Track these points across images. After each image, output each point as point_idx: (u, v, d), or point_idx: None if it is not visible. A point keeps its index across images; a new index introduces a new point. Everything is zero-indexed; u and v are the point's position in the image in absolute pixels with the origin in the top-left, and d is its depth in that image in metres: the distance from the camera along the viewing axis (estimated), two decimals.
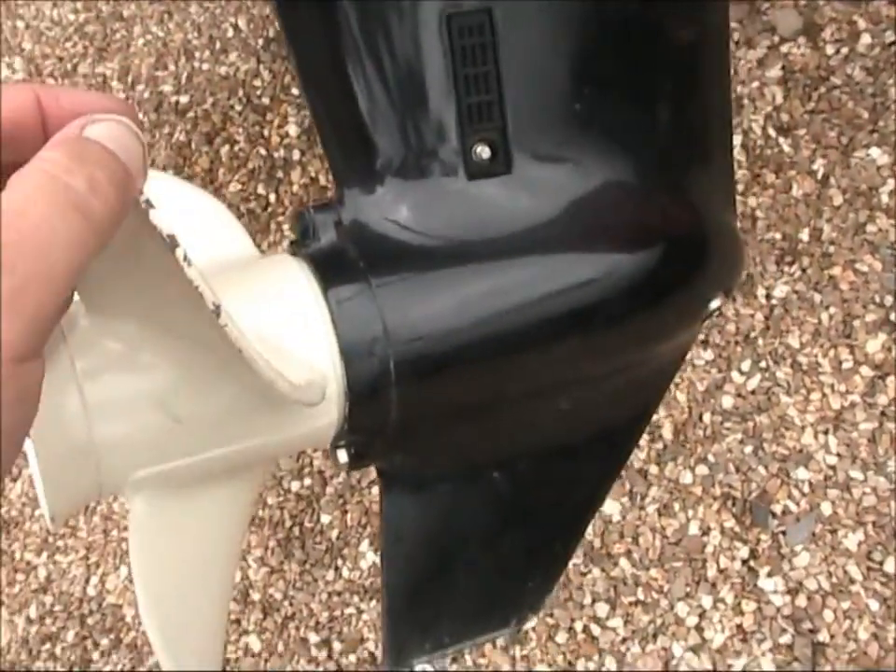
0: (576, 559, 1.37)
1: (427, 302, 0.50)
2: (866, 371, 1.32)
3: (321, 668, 1.44)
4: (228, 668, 1.49)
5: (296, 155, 1.65)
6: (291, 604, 1.49)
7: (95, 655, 1.55)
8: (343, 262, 0.50)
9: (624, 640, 1.32)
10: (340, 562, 1.48)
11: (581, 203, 0.54)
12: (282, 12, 0.51)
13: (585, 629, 1.34)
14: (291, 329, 0.48)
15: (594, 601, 1.35)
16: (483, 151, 0.52)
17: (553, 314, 0.53)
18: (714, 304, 0.58)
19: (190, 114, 1.79)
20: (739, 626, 1.27)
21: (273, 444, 0.48)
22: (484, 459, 0.56)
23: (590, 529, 1.37)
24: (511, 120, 0.52)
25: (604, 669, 1.31)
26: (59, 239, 0.30)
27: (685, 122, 0.58)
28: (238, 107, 1.75)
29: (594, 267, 0.54)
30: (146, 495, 0.47)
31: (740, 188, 1.43)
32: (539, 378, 0.54)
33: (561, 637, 1.35)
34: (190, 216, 0.53)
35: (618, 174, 0.55)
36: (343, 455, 0.53)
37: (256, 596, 1.50)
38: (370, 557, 1.45)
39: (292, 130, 1.69)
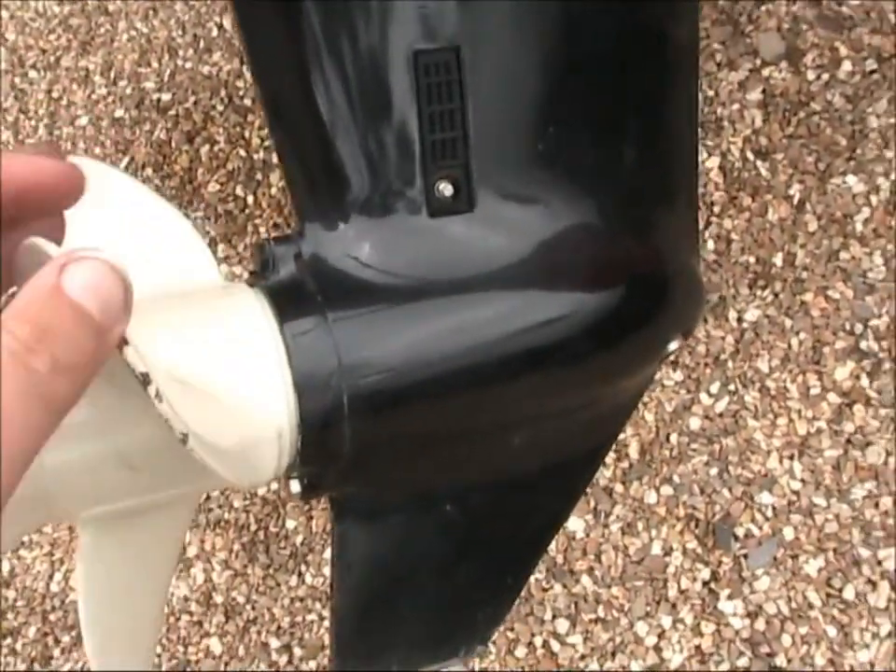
0: (538, 574, 1.37)
1: (384, 339, 0.50)
2: (833, 397, 1.33)
3: None
4: (189, 669, 1.49)
5: (275, 158, 1.64)
6: (254, 608, 1.49)
7: (56, 652, 1.55)
8: (301, 296, 0.50)
9: (583, 657, 1.32)
10: (304, 567, 1.48)
11: (544, 243, 0.54)
12: (242, 27, 0.52)
13: (545, 644, 1.35)
14: (244, 360, 0.48)
15: (554, 617, 1.35)
16: (446, 188, 0.52)
17: (512, 352, 0.53)
18: (673, 345, 0.58)
19: (172, 112, 1.79)
20: (698, 647, 1.28)
21: (223, 482, 0.48)
22: (438, 491, 0.56)
23: (553, 545, 1.38)
24: (475, 158, 0.52)
25: None
26: (14, 427, 0.30)
27: (651, 164, 0.58)
28: (220, 107, 1.75)
29: (555, 306, 0.54)
30: (93, 526, 0.48)
31: (716, 209, 1.44)
32: (496, 415, 0.55)
33: (520, 652, 1.35)
34: (157, 233, 0.53)
35: (581, 214, 0.55)
36: (295, 486, 0.53)
37: (219, 599, 1.50)
38: None
39: None
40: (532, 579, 1.38)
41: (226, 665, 1.47)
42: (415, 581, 0.58)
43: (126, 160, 1.84)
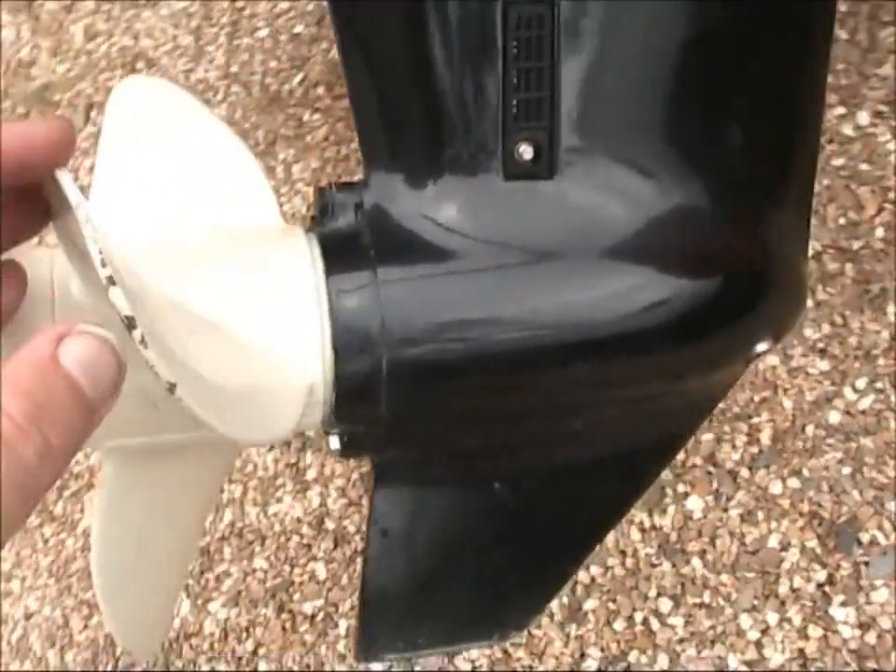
0: (648, 549, 1.33)
1: (438, 306, 0.47)
2: None
3: None
4: (292, 590, 1.51)
5: None
6: (363, 539, 1.49)
7: None
8: (354, 248, 0.48)
9: (682, 641, 1.28)
10: None
11: (644, 221, 0.50)
12: None
13: (645, 621, 1.31)
14: (283, 308, 0.46)
15: (658, 595, 1.31)
16: (526, 151, 0.49)
17: (584, 334, 0.49)
18: (761, 347, 0.54)
19: None
20: (801, 651, 1.22)
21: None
22: (487, 469, 0.54)
23: (669, 522, 1.33)
24: (563, 123, 0.49)
25: (656, 666, 1.28)
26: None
27: (766, 153, 0.53)
28: None
29: (649, 289, 0.50)
30: (118, 459, 0.47)
31: (891, 195, 1.34)
32: (556, 398, 0.51)
33: (619, 625, 1.32)
34: (220, 164, 0.52)
35: (685, 196, 0.50)
36: (335, 442, 0.51)
37: (330, 525, 1.51)
38: None
39: None
40: (642, 553, 1.34)
41: (328, 591, 1.48)
42: (453, 557, 0.55)
43: (300, 76, 1.84)
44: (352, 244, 0.48)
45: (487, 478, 0.54)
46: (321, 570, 1.50)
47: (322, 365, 0.46)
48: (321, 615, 1.48)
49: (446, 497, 0.54)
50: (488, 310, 0.48)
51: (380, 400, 0.47)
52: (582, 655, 1.32)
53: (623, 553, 1.34)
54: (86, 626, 1.58)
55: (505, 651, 1.36)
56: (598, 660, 1.31)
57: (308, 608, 1.49)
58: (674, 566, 1.32)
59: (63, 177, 0.37)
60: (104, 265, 0.34)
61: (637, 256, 0.50)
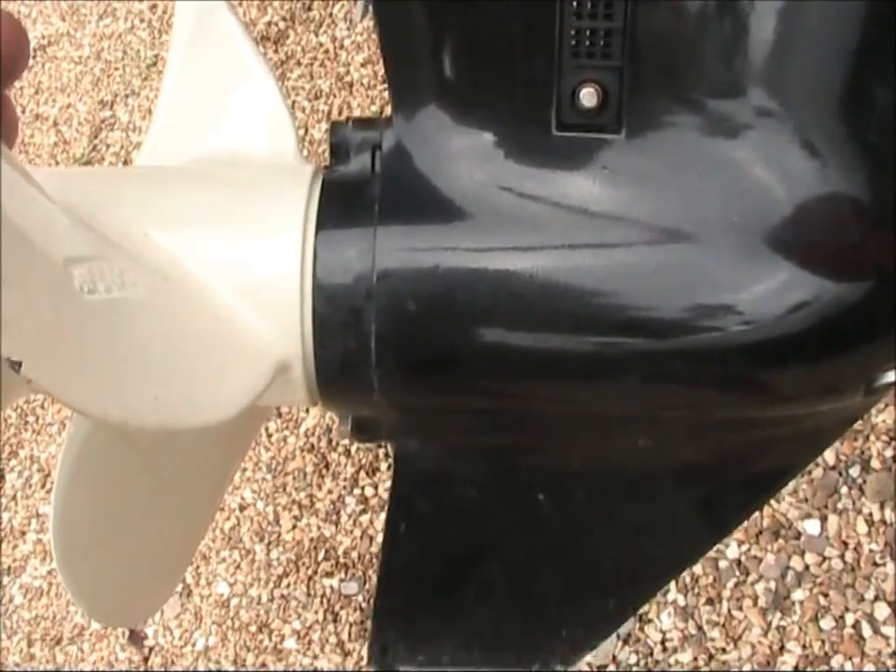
0: (874, 545, 1.18)
1: (445, 283, 0.38)
2: None
3: None
4: None
5: None
6: None
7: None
8: (357, 200, 0.39)
9: (894, 655, 1.13)
10: None
11: (771, 206, 0.38)
12: None
13: (856, 625, 1.17)
14: (258, 266, 0.39)
15: (876, 598, 1.17)
16: (588, 97, 0.38)
17: (664, 336, 0.39)
18: (892, 377, 0.41)
19: None
20: None
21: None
22: (528, 475, 0.44)
23: None
24: (641, 63, 0.38)
25: None
26: None
27: None
28: None
29: (769, 287, 0.38)
30: None
31: None
32: (616, 409, 0.41)
33: (826, 623, 1.18)
34: (243, 89, 0.45)
35: (848, 185, 0.38)
36: (346, 423, 0.44)
37: None
38: None
39: None
40: (866, 549, 1.19)
41: None
42: (483, 567, 0.47)
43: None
44: (356, 194, 0.39)
45: (529, 485, 0.44)
46: None
47: (300, 338, 0.38)
48: None
49: (475, 501, 0.45)
50: (517, 294, 0.38)
51: (371, 384, 0.39)
52: (782, 648, 1.20)
53: (845, 544, 1.20)
54: (294, 527, 1.59)
55: (700, 628, 1.25)
56: (797, 657, 1.18)
57: None
58: None
59: None
60: None
61: (771, 249, 0.38)
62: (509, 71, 0.39)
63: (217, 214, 0.39)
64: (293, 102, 1.91)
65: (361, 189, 0.39)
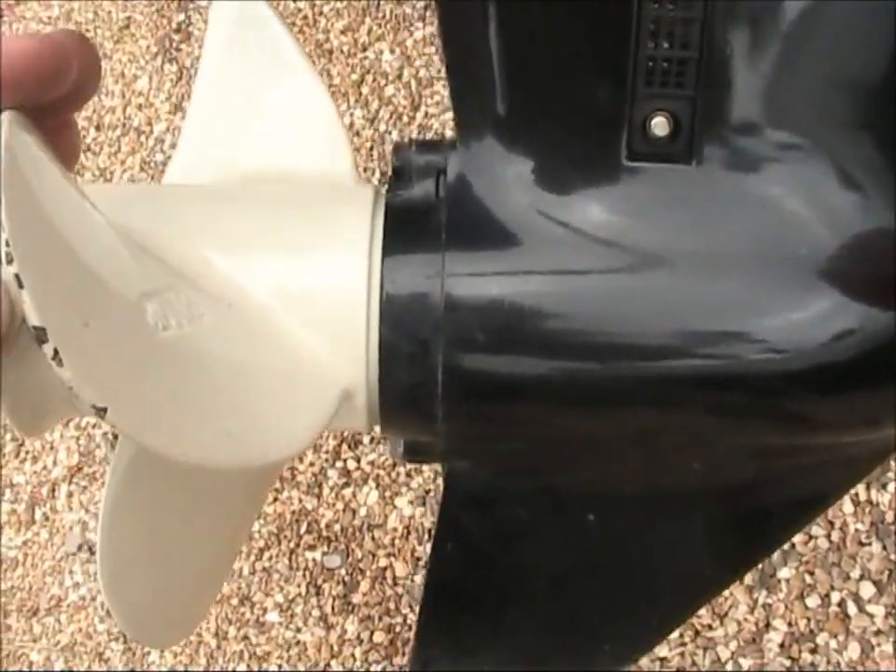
0: (860, 525, 1.20)
1: (515, 310, 0.38)
2: None
3: None
4: None
5: None
6: None
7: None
8: (424, 227, 0.39)
9: (878, 633, 1.15)
10: None
11: (824, 239, 0.38)
12: None
13: (841, 603, 1.19)
14: (323, 291, 0.38)
15: (861, 577, 1.19)
16: (660, 126, 0.38)
17: (722, 364, 0.39)
18: None
19: None
20: None
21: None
22: (578, 496, 0.44)
23: (887, 500, 1.19)
24: (714, 93, 0.38)
25: (844, 655, 1.16)
26: None
27: None
28: None
29: (818, 316, 0.38)
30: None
31: None
32: (661, 437, 0.41)
33: (812, 601, 1.20)
34: (296, 105, 0.44)
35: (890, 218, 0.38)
36: (398, 444, 0.44)
37: None
38: None
39: None
40: (852, 528, 1.21)
41: None
42: (528, 585, 0.47)
43: None
44: (423, 220, 0.39)
45: (578, 506, 0.44)
46: None
47: (365, 366, 0.38)
48: None
49: (524, 522, 0.45)
50: (584, 322, 0.38)
51: (435, 415, 0.39)
52: (767, 626, 1.22)
53: (831, 523, 1.22)
54: (276, 499, 1.59)
55: None
56: (783, 634, 1.20)
57: None
58: (884, 548, 1.18)
59: (6, 122, 0.30)
60: (9, 261, 0.27)
61: (818, 278, 0.38)
62: (578, 99, 0.38)
63: (278, 236, 0.39)
64: None
65: (427, 214, 0.39)
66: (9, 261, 0.27)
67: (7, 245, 0.27)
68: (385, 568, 1.48)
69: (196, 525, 0.44)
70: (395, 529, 1.49)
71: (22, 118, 0.31)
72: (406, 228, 0.39)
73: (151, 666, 1.64)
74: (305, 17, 1.87)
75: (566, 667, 0.48)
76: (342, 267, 0.38)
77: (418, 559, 1.46)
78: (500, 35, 0.38)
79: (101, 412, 0.29)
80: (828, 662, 1.16)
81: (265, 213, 0.39)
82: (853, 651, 1.15)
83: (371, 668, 1.44)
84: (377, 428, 0.41)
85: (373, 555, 1.49)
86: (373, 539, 1.50)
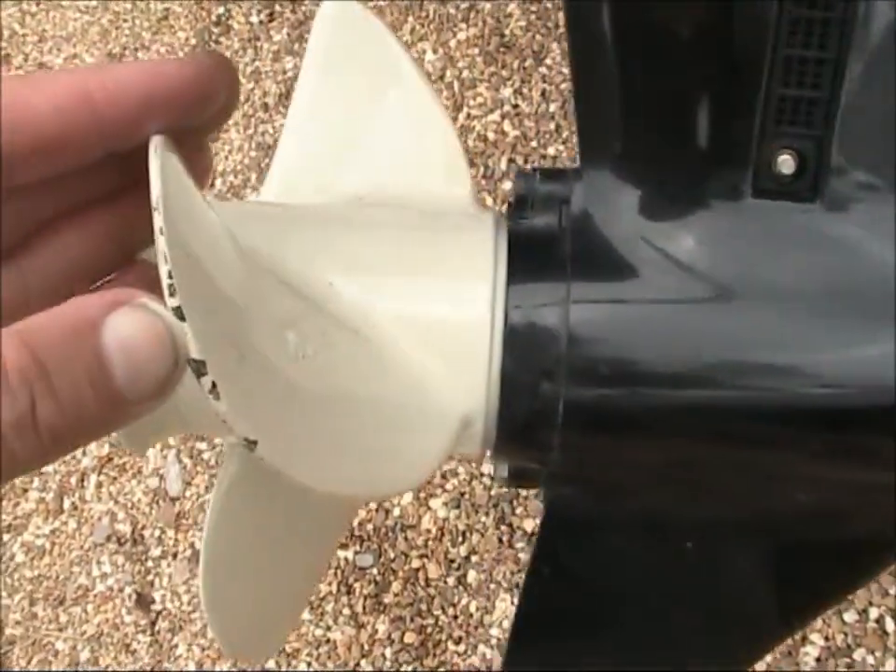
0: None
1: (640, 342, 0.38)
2: None
3: None
4: (515, 503, 1.46)
5: None
6: None
7: None
8: (549, 257, 0.39)
9: None
10: None
11: None
12: None
13: (879, 619, 1.19)
14: (444, 318, 0.38)
15: None
16: (786, 164, 0.38)
17: (839, 399, 0.39)
18: None
19: None
20: None
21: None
22: (679, 524, 0.45)
23: None
24: (840, 133, 0.38)
25: (881, 670, 1.16)
26: None
27: None
28: None
29: None
30: (243, 459, 0.41)
31: None
32: (779, 470, 0.41)
33: (849, 616, 1.20)
34: (412, 125, 0.44)
35: None
36: (502, 469, 0.44)
37: None
38: None
39: None
40: None
41: None
42: (622, 610, 0.47)
43: None
44: (547, 250, 0.39)
45: (678, 534, 0.45)
46: None
47: (486, 394, 0.38)
48: None
49: (622, 549, 0.45)
50: (705, 354, 0.38)
51: (551, 445, 0.39)
52: (804, 639, 1.22)
53: None
54: None
55: None
56: (819, 649, 1.20)
57: (529, 524, 1.45)
58: None
59: (155, 147, 0.30)
60: (171, 293, 0.27)
61: None
62: (703, 135, 0.38)
63: (401, 260, 0.39)
64: None
65: (551, 244, 0.39)
66: (171, 293, 0.27)
67: (170, 276, 0.27)
68: (417, 570, 1.48)
69: (294, 539, 0.44)
70: (428, 531, 1.49)
71: (169, 142, 0.32)
72: (530, 256, 0.39)
73: (179, 660, 1.64)
74: None
75: None
76: (466, 294, 0.38)
77: (451, 561, 1.46)
78: (624, 68, 0.39)
79: (251, 444, 0.29)
80: None
81: (386, 236, 0.40)
82: (890, 666, 1.15)
83: (402, 669, 1.45)
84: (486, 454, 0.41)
85: (406, 556, 1.49)
86: (406, 539, 1.50)
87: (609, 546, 0.45)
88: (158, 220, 0.28)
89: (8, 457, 0.24)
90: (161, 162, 0.30)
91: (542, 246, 0.39)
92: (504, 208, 0.42)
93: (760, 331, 0.38)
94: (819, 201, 0.38)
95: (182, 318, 0.27)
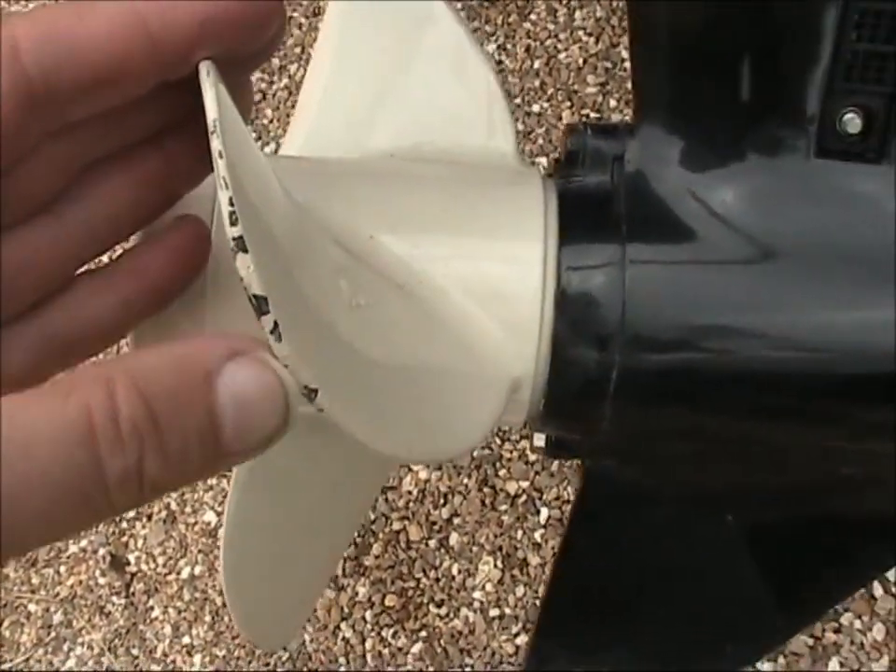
0: None
1: (700, 303, 0.36)
2: None
3: None
4: (498, 465, 1.45)
5: None
6: None
7: None
8: (602, 215, 0.37)
9: None
10: None
11: None
12: None
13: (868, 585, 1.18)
14: (495, 279, 0.36)
15: None
16: (852, 122, 0.36)
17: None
18: None
19: None
20: None
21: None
22: (719, 496, 0.43)
23: None
24: None
25: (868, 636, 1.16)
26: (48, 516, 0.22)
27: None
28: None
29: None
30: None
31: None
32: (834, 440, 0.40)
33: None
34: (459, 83, 0.42)
35: None
36: (539, 440, 0.42)
37: None
38: None
39: None
40: None
41: (535, 474, 1.42)
42: (657, 584, 0.46)
43: None
44: (600, 208, 0.37)
45: (719, 506, 0.43)
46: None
47: (535, 359, 0.36)
48: (523, 497, 1.42)
49: (665, 517, 0.44)
50: (768, 318, 0.37)
51: (603, 415, 0.37)
52: None
53: None
54: None
55: None
56: None
57: (512, 487, 1.43)
58: None
59: (207, 70, 0.28)
60: (233, 221, 0.25)
61: None
62: (772, 92, 0.36)
63: (449, 217, 0.37)
64: (290, 17, 1.84)
65: (604, 204, 0.37)
66: (233, 222, 0.25)
67: (231, 203, 0.25)
68: (398, 532, 1.47)
69: (313, 525, 0.43)
70: (409, 492, 1.48)
71: (216, 70, 0.29)
72: (583, 216, 0.37)
73: (154, 623, 1.63)
74: None
75: (687, 667, 0.47)
76: (517, 254, 0.36)
77: (433, 523, 1.45)
78: (682, 20, 0.37)
79: (312, 393, 0.27)
80: (851, 642, 1.16)
81: (431, 191, 0.38)
82: (878, 632, 1.15)
83: (382, 632, 1.44)
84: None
85: (387, 518, 1.48)
86: (387, 501, 1.49)
87: (652, 519, 0.44)
88: (216, 144, 0.25)
89: (108, 507, 0.23)
90: (214, 85, 0.27)
91: (596, 205, 0.37)
92: (550, 164, 0.40)
93: (826, 295, 0.37)
94: (885, 162, 0.37)
95: (244, 249, 0.25)
